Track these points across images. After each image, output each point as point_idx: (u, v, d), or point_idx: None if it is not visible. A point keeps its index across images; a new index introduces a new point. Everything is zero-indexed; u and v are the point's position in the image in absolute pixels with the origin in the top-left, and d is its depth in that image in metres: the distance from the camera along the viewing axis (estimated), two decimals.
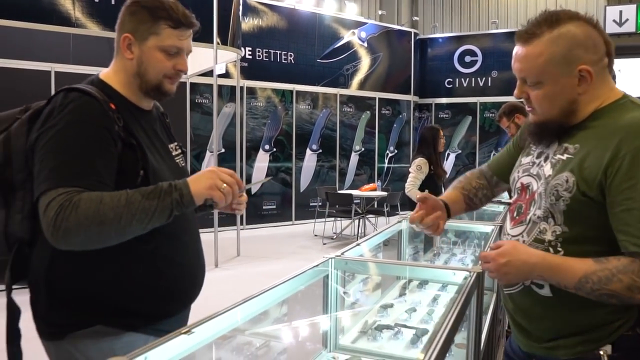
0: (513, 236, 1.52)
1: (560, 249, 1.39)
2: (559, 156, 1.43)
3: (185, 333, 1.15)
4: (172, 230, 1.50)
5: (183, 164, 1.74)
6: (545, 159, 1.47)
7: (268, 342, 1.85)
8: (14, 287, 1.46)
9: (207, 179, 1.42)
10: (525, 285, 1.47)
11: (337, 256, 1.95)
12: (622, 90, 1.44)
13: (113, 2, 5.87)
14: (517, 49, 1.43)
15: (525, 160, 1.58)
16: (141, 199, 1.34)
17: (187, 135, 8.73)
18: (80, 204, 1.29)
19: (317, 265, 1.85)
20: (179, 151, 1.73)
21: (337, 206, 8.66)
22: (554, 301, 1.41)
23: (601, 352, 1.36)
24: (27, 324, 1.50)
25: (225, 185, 1.41)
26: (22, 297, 1.51)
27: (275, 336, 1.87)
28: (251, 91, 9.78)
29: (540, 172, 1.47)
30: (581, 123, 1.42)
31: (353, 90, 11.33)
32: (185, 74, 1.62)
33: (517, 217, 1.53)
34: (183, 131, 8.65)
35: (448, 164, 12.29)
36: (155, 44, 1.51)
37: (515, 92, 1.48)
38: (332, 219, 9.01)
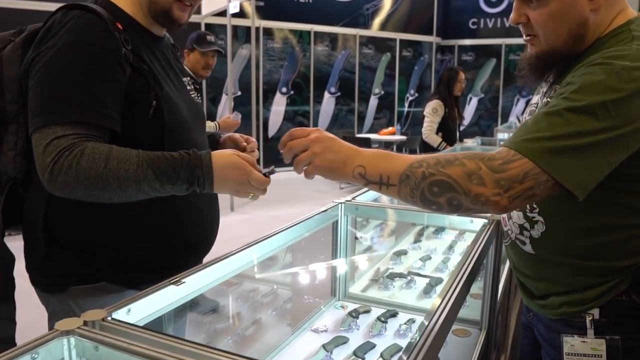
0: None
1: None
2: (546, 99, 1.25)
3: (174, 283, 1.06)
4: None
5: (198, 100, 1.57)
6: (543, 100, 1.30)
7: (275, 289, 1.79)
8: (6, 232, 1.34)
9: (235, 188, 1.26)
10: (512, 240, 1.35)
11: (348, 201, 1.85)
12: (634, 12, 1.19)
13: None
14: None
15: (534, 100, 1.41)
16: (154, 178, 1.17)
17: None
18: (81, 161, 1.13)
19: (325, 211, 1.75)
20: (192, 87, 1.56)
21: None
22: (535, 258, 1.29)
23: (587, 316, 1.22)
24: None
25: (252, 195, 1.27)
26: (14, 244, 1.39)
27: (282, 283, 1.81)
28: (268, 32, 9.49)
29: None
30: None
31: (374, 31, 10.96)
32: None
33: None
34: None
35: (470, 108, 12.01)
36: None
37: (512, 15, 1.22)
38: None
